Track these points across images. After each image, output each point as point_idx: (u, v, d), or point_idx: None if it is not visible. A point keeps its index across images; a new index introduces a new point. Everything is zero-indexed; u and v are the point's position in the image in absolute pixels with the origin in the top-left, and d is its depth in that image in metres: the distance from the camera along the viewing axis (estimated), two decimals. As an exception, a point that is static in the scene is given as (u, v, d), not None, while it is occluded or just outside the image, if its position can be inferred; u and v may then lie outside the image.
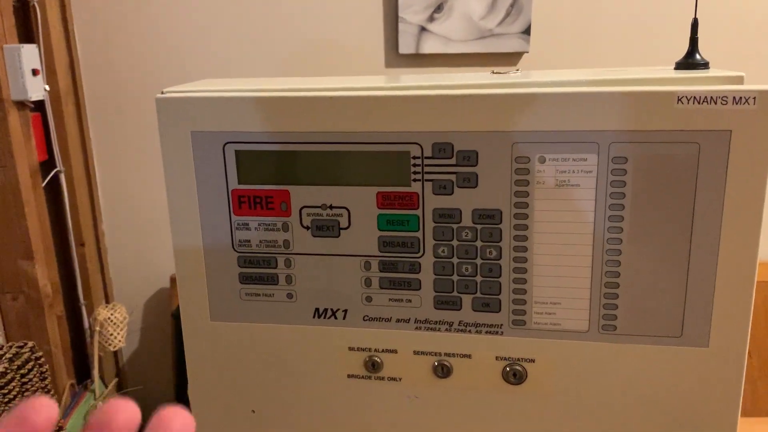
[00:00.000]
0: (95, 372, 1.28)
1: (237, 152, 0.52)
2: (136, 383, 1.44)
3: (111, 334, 1.28)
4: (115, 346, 1.27)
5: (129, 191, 1.33)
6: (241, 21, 1.24)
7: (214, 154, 0.52)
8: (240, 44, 1.24)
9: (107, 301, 1.40)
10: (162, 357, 1.41)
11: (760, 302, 1.35)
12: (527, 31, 1.25)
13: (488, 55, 1.26)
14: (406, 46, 1.27)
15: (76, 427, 1.21)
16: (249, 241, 0.54)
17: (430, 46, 1.27)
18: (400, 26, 1.25)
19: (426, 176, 0.50)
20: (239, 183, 0.53)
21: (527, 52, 1.26)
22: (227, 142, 0.52)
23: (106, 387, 1.35)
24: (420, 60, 1.28)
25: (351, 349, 0.55)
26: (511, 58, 1.27)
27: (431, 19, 1.26)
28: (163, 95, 0.52)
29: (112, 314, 1.28)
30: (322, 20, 1.25)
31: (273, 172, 0.52)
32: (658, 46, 1.21)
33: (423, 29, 1.26)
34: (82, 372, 1.33)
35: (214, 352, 0.57)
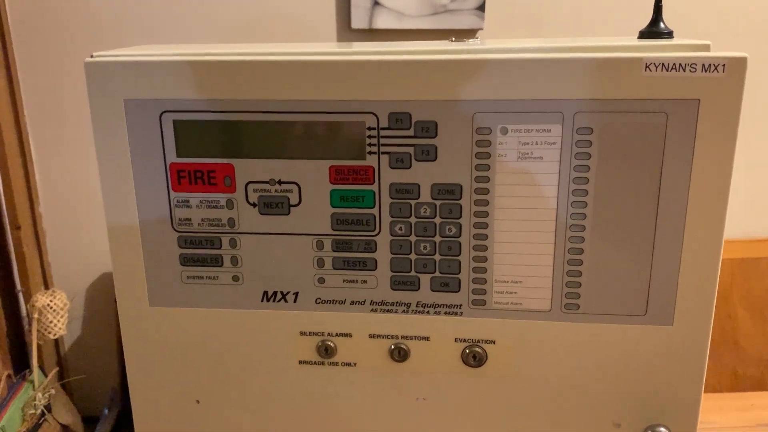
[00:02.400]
0: (34, 362, 1.22)
1: (175, 122, 0.48)
2: (78, 372, 1.38)
3: (51, 322, 1.22)
4: (55, 334, 1.21)
5: (68, 169, 1.26)
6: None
7: (149, 124, 0.48)
8: (181, 16, 1.18)
9: (46, 287, 1.33)
10: (106, 345, 1.35)
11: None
12: (482, 8, 1.22)
13: (442, 32, 1.23)
14: (358, 21, 1.23)
15: (13, 419, 1.15)
16: (190, 219, 0.50)
17: (383, 21, 1.23)
18: (353, 0, 1.21)
19: (382, 149, 0.47)
20: (178, 156, 0.48)
21: (482, 29, 1.23)
22: (164, 111, 0.47)
23: (46, 377, 1.28)
24: (373, 35, 1.24)
25: (303, 333, 0.52)
26: (465, 35, 1.24)
27: (385, -8, 1.22)
28: (93, 59, 0.48)
29: (51, 300, 1.22)
30: (271, -9, 1.20)
31: (215, 144, 0.48)
32: (617, 21, 1.20)
33: (376, 3, 1.22)
34: (20, 362, 1.26)
35: (155, 339, 0.53)
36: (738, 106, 0.43)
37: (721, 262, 0.47)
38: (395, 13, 1.23)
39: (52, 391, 1.21)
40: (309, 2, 1.21)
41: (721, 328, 1.40)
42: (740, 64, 0.43)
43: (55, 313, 1.22)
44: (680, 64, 0.43)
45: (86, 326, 1.39)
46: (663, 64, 0.43)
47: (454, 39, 0.56)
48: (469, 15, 1.23)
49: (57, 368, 1.32)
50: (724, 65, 0.43)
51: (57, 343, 1.36)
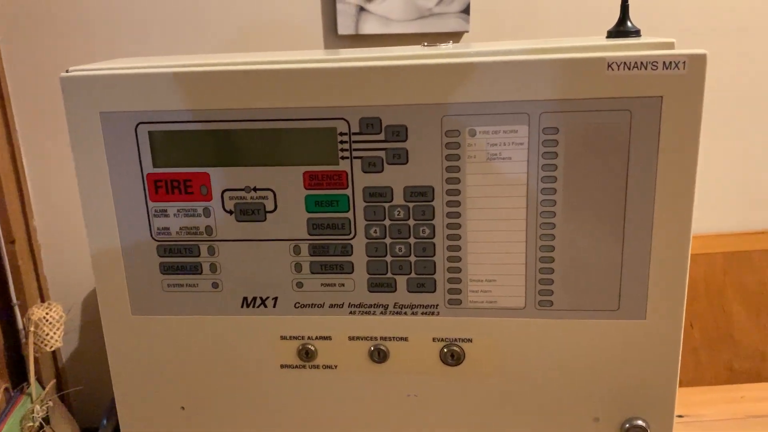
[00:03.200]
0: (31, 374, 1.22)
1: (150, 133, 0.48)
2: (76, 384, 1.39)
3: (47, 334, 1.22)
4: (51, 347, 1.22)
5: (61, 182, 1.27)
6: (171, 0, 1.18)
7: (125, 136, 0.49)
8: (169, 25, 1.19)
9: (42, 300, 1.33)
10: (103, 356, 1.35)
11: (701, 275, 1.38)
12: (466, 11, 1.23)
13: (428, 35, 1.24)
14: (345, 27, 1.24)
15: (12, 432, 1.15)
16: (168, 228, 0.51)
17: (369, 27, 1.24)
18: (339, 6, 1.22)
19: (354, 153, 0.48)
20: (154, 166, 0.49)
21: (467, 32, 1.24)
22: (139, 123, 0.48)
23: (44, 389, 1.29)
24: (360, 41, 1.25)
25: (283, 338, 0.53)
26: (451, 38, 1.25)
27: (370, -2, 1.23)
28: (68, 74, 0.48)
29: (47, 313, 1.22)
30: (257, 0, 1.21)
31: (190, 153, 0.49)
32: (601, 22, 1.21)
33: (362, 9, 1.23)
34: (17, 375, 1.27)
35: (138, 348, 0.54)
36: (700, 101, 0.44)
37: (689, 256, 0.47)
38: (381, 19, 1.24)
39: (50, 404, 1.22)
40: (295, 9, 1.22)
41: (716, 322, 1.40)
42: (700, 60, 0.43)
43: (51, 325, 1.22)
44: (642, 63, 0.44)
45: (83, 338, 1.40)
46: (625, 63, 0.44)
47: (426, 44, 0.57)
48: (454, 18, 1.24)
49: (54, 380, 1.33)
50: (684, 62, 0.44)
51: (54, 355, 1.36)
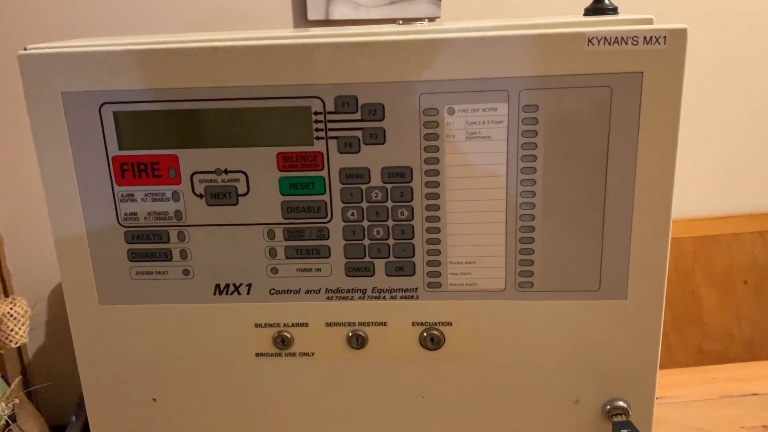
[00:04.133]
0: (-5, 371, 1.19)
1: (115, 114, 0.46)
2: (43, 380, 1.35)
3: (11, 330, 1.19)
4: (16, 342, 1.18)
5: (23, 174, 1.23)
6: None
7: (89, 117, 0.46)
8: (133, 10, 1.16)
9: (6, 295, 1.29)
10: (70, 351, 1.32)
11: (671, 259, 1.40)
12: (439, -5, 1.22)
13: (415, 20, 1.23)
14: (314, 12, 1.22)
15: (-25, 432, 1.12)
16: (136, 213, 0.49)
17: (340, 12, 1.22)
18: (309, -10, 1.20)
19: (330, 133, 0.46)
20: (120, 149, 0.47)
21: (439, 17, 1.23)
22: (104, 103, 0.46)
23: (9, 386, 1.25)
24: (330, 26, 1.23)
25: (258, 325, 0.51)
26: (442, 23, 1.24)
27: (340, -18, 1.21)
28: (27, 51, 0.46)
29: (11, 308, 1.19)
30: (225, -17, 1.18)
31: (158, 134, 0.47)
32: (576, 5, 1.21)
33: (332, -6, 1.21)
34: (-20, 373, 1.23)
35: (106, 338, 0.52)
36: (680, 77, 0.44)
37: (670, 235, 0.47)
38: (352, 3, 1.22)
39: (16, 401, 1.18)
40: (264, -6, 1.20)
41: (685, 305, 1.42)
42: (681, 35, 0.43)
43: (15, 321, 1.19)
44: (622, 38, 0.43)
45: (50, 333, 1.36)
46: (605, 38, 0.43)
47: (401, 22, 0.55)
48: (426, 4, 1.23)
49: (20, 377, 1.29)
50: (665, 37, 0.43)
51: (20, 351, 1.33)
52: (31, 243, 1.28)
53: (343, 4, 1.22)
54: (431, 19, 1.23)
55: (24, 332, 1.18)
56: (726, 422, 0.86)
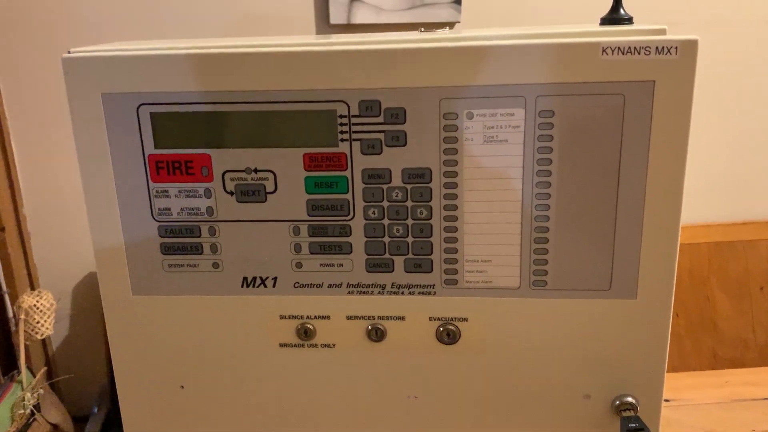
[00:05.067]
0: (22, 362, 1.22)
1: (152, 114, 0.49)
2: (67, 371, 1.39)
3: (37, 322, 1.22)
4: (42, 335, 1.21)
5: (52, 170, 1.26)
6: (163, -11, 1.18)
7: (127, 117, 0.49)
8: (160, 16, 1.19)
9: (32, 288, 1.33)
10: (94, 343, 1.35)
11: (686, 264, 1.41)
12: (458, 1, 1.24)
13: (420, 25, 1.25)
14: (337, 17, 1.24)
15: (2, 420, 1.15)
16: (169, 209, 0.51)
17: (361, 16, 1.24)
18: (331, -5, 1.22)
19: (354, 135, 0.49)
20: (156, 147, 0.50)
21: (459, 22, 1.25)
22: (141, 104, 0.49)
23: (35, 377, 1.29)
24: (352, 30, 1.26)
25: (282, 317, 0.54)
26: (443, 28, 1.26)
27: (362, -12, 1.23)
28: (70, 55, 0.49)
29: (37, 301, 1.22)
30: (250, -11, 1.21)
31: (192, 135, 0.49)
32: (592, 12, 1.22)
33: (354, -1, 1.24)
34: (8, 363, 1.27)
35: (138, 327, 0.54)
36: (691, 86, 0.45)
37: (679, 237, 0.49)
38: (373, 8, 1.24)
39: (41, 391, 1.22)
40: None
41: (700, 310, 1.43)
42: (692, 46, 0.45)
43: (41, 313, 1.22)
44: (635, 48, 0.45)
45: (74, 326, 1.40)
46: (619, 48, 0.45)
47: (423, 29, 0.57)
48: (446, 8, 1.25)
49: (45, 368, 1.33)
50: (676, 48, 0.45)
51: (45, 343, 1.36)
52: (57, 238, 1.31)
53: (365, 8, 1.24)
54: (451, 25, 1.25)
55: (49, 324, 1.22)
56: (738, 425, 0.87)
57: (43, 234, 1.32)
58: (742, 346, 1.45)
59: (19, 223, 1.28)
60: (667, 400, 0.94)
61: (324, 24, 1.25)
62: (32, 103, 1.21)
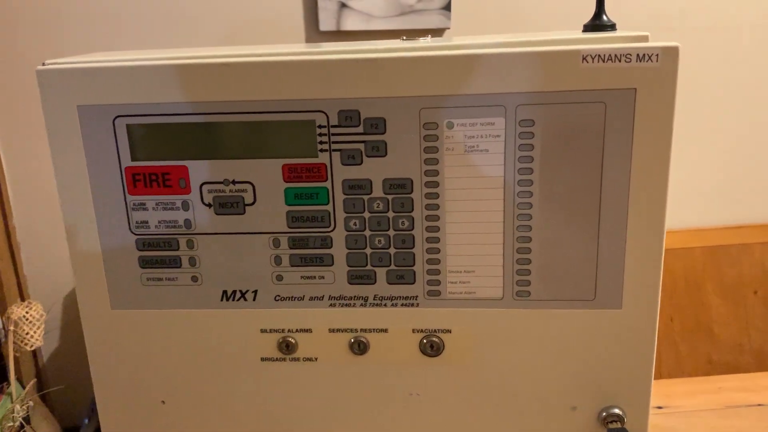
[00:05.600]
0: (11, 374, 1.21)
1: (128, 126, 0.48)
2: (57, 383, 1.38)
3: (27, 333, 1.21)
4: (32, 346, 1.20)
5: (41, 180, 1.25)
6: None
7: (103, 129, 0.48)
8: (148, 23, 1.18)
9: (22, 299, 1.32)
10: (84, 355, 1.34)
11: (681, 269, 1.40)
12: (448, 7, 1.24)
13: (410, 32, 1.24)
14: (326, 24, 1.24)
15: (-9, 432, 1.14)
16: (147, 222, 0.50)
17: (351, 23, 1.24)
18: (320, 3, 1.22)
19: (333, 146, 0.48)
20: (132, 160, 0.49)
21: (449, 28, 1.25)
22: (117, 116, 0.48)
23: (24, 389, 1.28)
24: (341, 37, 1.25)
25: (263, 331, 0.53)
26: (433, 35, 1.26)
27: (351, -6, 1.23)
28: (45, 67, 0.48)
29: (27, 312, 1.21)
30: (238, -3, 1.21)
31: (168, 146, 0.49)
32: (583, 18, 1.22)
33: (343, 5, 1.23)
34: (-3, 375, 1.26)
35: (118, 342, 0.54)
36: (673, 93, 0.45)
37: (664, 246, 0.48)
38: (363, 15, 1.24)
39: (31, 403, 1.20)
40: (276, 6, 1.22)
41: (695, 315, 1.42)
42: (673, 53, 0.44)
43: (31, 324, 1.21)
44: (616, 55, 0.44)
45: (64, 337, 1.39)
46: (599, 56, 0.45)
47: (405, 37, 0.57)
48: (435, 15, 1.25)
49: (35, 380, 1.32)
50: (657, 55, 0.44)
51: (34, 354, 1.35)
52: (46, 249, 1.31)
53: (354, 15, 1.24)
54: (439, 32, 1.25)
55: (39, 336, 1.21)
56: (731, 432, 0.86)
57: (32, 245, 1.31)
58: (737, 351, 1.44)
59: (9, 234, 1.28)
60: (660, 407, 0.93)
61: (314, 31, 1.25)
62: (21, 114, 1.20)
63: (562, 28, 1.22)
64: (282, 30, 1.24)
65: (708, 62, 1.26)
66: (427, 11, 1.25)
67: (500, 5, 1.24)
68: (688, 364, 1.42)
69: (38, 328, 1.21)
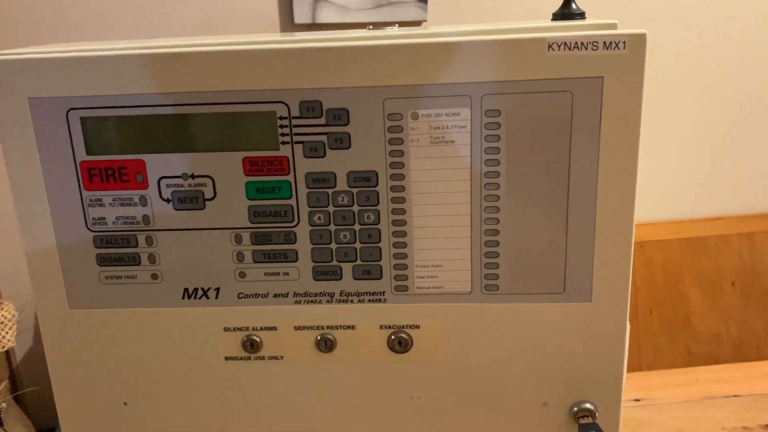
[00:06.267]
0: (-18, 376, 1.19)
1: (82, 119, 0.47)
2: (31, 384, 1.35)
3: (-1, 334, 1.19)
4: (3, 347, 1.18)
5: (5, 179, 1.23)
6: (120, -10, 1.15)
7: (56, 122, 0.47)
8: (126, 17, 1.16)
9: (-7, 299, 1.29)
10: (58, 354, 1.32)
11: (659, 261, 1.40)
12: (424, -1, 1.23)
13: (386, 24, 1.23)
14: (301, 16, 1.22)
15: (-38, 436, 1.12)
16: (104, 218, 0.49)
17: (326, 16, 1.22)
18: (294, -5, 1.20)
19: (295, 138, 0.47)
20: (87, 154, 0.47)
21: (425, 21, 1.24)
22: (70, 109, 0.46)
23: (-3, 391, 1.25)
24: (317, 30, 1.24)
25: (227, 329, 0.51)
26: (409, 26, 1.24)
27: (326, -13, 1.21)
28: (-6, 58, 0.46)
29: (-2, 313, 1.19)
30: (210, -11, 1.18)
31: (124, 140, 0.47)
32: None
33: (318, -2, 1.22)
34: (-32, 377, 1.23)
35: (77, 343, 0.52)
36: (640, 81, 0.44)
37: (633, 238, 0.47)
38: (339, 7, 1.22)
39: (4, 405, 1.18)
40: (250, -1, 1.20)
41: (674, 307, 1.43)
42: (640, 40, 0.43)
43: (2, 325, 1.19)
44: (582, 43, 0.43)
45: (38, 337, 1.36)
46: (566, 44, 0.44)
47: (371, 27, 0.56)
48: (412, 7, 1.23)
49: (8, 381, 1.29)
50: (624, 42, 0.43)
51: (8, 355, 1.33)
52: (17, 247, 1.28)
53: (330, 8, 1.22)
54: (416, 24, 1.23)
55: (11, 336, 1.18)
56: (707, 424, 0.86)
57: (3, 244, 1.28)
58: (715, 342, 1.45)
59: (-22, 233, 1.25)
60: (637, 400, 0.93)
61: (289, 24, 1.23)
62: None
63: (539, 19, 1.21)
64: (257, 23, 1.22)
65: (690, 54, 1.26)
66: (404, 3, 1.23)
67: (477, -2, 1.24)
68: (668, 356, 1.43)
69: (10, 328, 1.19)
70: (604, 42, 0.43)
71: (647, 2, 1.22)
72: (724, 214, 1.42)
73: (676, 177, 1.36)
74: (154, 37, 1.16)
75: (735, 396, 0.91)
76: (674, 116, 1.30)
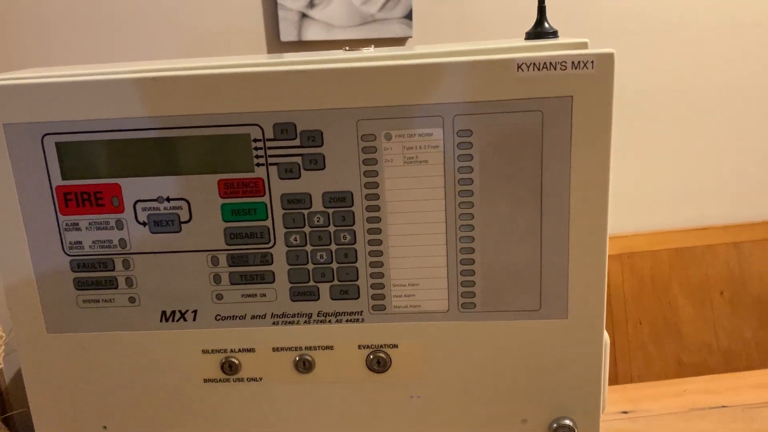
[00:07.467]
0: (-31, 398, 1.18)
1: (57, 144, 0.47)
2: (21, 405, 1.34)
3: (-14, 356, 1.18)
4: (-9, 369, 1.17)
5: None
6: (108, 5, 1.16)
7: (32, 148, 0.47)
8: (113, 37, 1.17)
9: (-20, 321, 1.29)
10: (46, 375, 1.31)
11: (648, 271, 1.41)
12: (409, 16, 1.24)
13: (372, 41, 1.24)
14: (287, 34, 1.23)
15: (-52, 460, 1.11)
16: (81, 242, 0.49)
17: (312, 33, 1.23)
18: (280, 13, 1.21)
19: (270, 160, 0.47)
20: (63, 179, 0.48)
21: (411, 37, 1.25)
22: (46, 134, 0.47)
23: (-16, 413, 1.24)
24: (303, 47, 1.25)
25: (205, 351, 0.51)
26: (395, 44, 1.25)
27: (311, 5, 1.22)
28: (-31, 85, 0.46)
29: (-14, 334, 1.18)
30: (198, 8, 1.19)
31: (100, 164, 0.47)
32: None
33: (304, 16, 1.23)
34: (-45, 400, 1.22)
35: (56, 367, 0.52)
36: (610, 100, 0.45)
37: (607, 253, 0.48)
38: (324, 25, 1.23)
39: (-9, 427, 1.17)
40: (237, 17, 1.21)
41: (663, 317, 1.43)
42: (608, 60, 0.44)
43: (-10, 346, 1.18)
44: (551, 63, 0.44)
45: (26, 358, 1.35)
46: (535, 64, 0.44)
47: (347, 48, 0.56)
48: (397, 24, 1.24)
49: (-5, 403, 1.28)
50: (593, 62, 0.44)
51: (-5, 377, 1.32)
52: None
53: (315, 25, 1.23)
54: (401, 41, 1.24)
55: (0, 358, 1.18)
56: (696, 435, 0.86)
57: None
58: (705, 351, 1.45)
59: (-36, 254, 1.24)
60: (625, 412, 0.93)
61: (275, 42, 1.24)
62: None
63: (521, 36, 1.22)
64: (243, 41, 1.22)
65: (677, 64, 1.27)
66: (389, 20, 1.24)
67: (461, 13, 1.25)
68: (658, 366, 1.43)
69: (-3, 349, 1.18)
70: (573, 62, 0.44)
71: (631, 13, 1.23)
72: (711, 224, 1.43)
73: (663, 187, 1.36)
74: (143, 56, 1.17)
75: (723, 407, 0.91)
76: (662, 126, 1.31)
